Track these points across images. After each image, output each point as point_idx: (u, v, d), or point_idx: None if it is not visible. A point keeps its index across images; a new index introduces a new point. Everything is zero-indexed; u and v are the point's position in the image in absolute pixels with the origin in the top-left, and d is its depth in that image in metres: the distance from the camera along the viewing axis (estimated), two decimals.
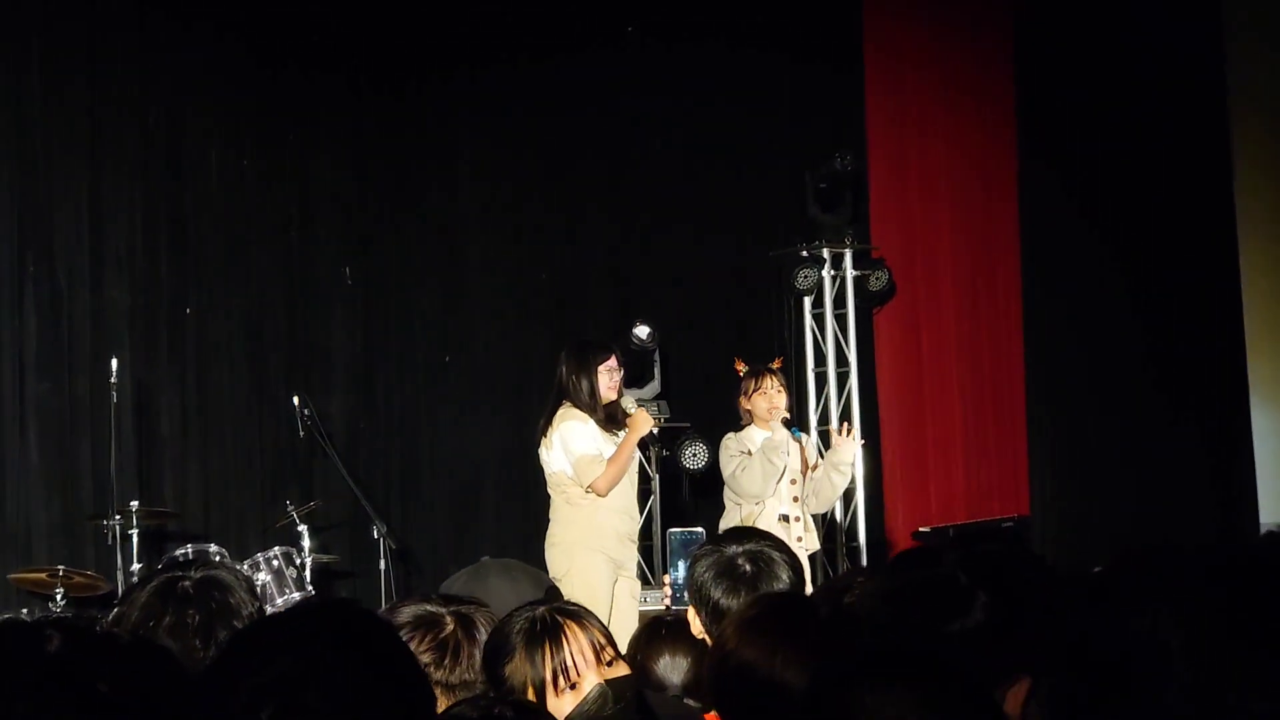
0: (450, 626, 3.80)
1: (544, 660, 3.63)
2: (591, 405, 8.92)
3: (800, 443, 9.52)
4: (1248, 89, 14.00)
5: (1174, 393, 13.63)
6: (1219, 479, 13.44)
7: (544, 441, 9.03)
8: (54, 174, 10.78)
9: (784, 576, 4.31)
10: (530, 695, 3.59)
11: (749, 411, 9.57)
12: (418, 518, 11.72)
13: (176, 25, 11.22)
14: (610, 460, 8.88)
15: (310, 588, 9.97)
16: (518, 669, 3.63)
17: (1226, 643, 1.90)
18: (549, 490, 9.15)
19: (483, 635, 3.77)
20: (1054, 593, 2.75)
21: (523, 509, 11.41)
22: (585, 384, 8.95)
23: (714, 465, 9.70)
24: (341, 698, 2.33)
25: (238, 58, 11.45)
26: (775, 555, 4.36)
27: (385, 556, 10.39)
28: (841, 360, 12.70)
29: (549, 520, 9.10)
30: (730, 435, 9.55)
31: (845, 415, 12.52)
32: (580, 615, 3.74)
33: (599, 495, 8.85)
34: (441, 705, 3.45)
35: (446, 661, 3.74)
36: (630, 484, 9.08)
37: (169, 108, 11.20)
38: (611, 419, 9.00)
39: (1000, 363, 13.62)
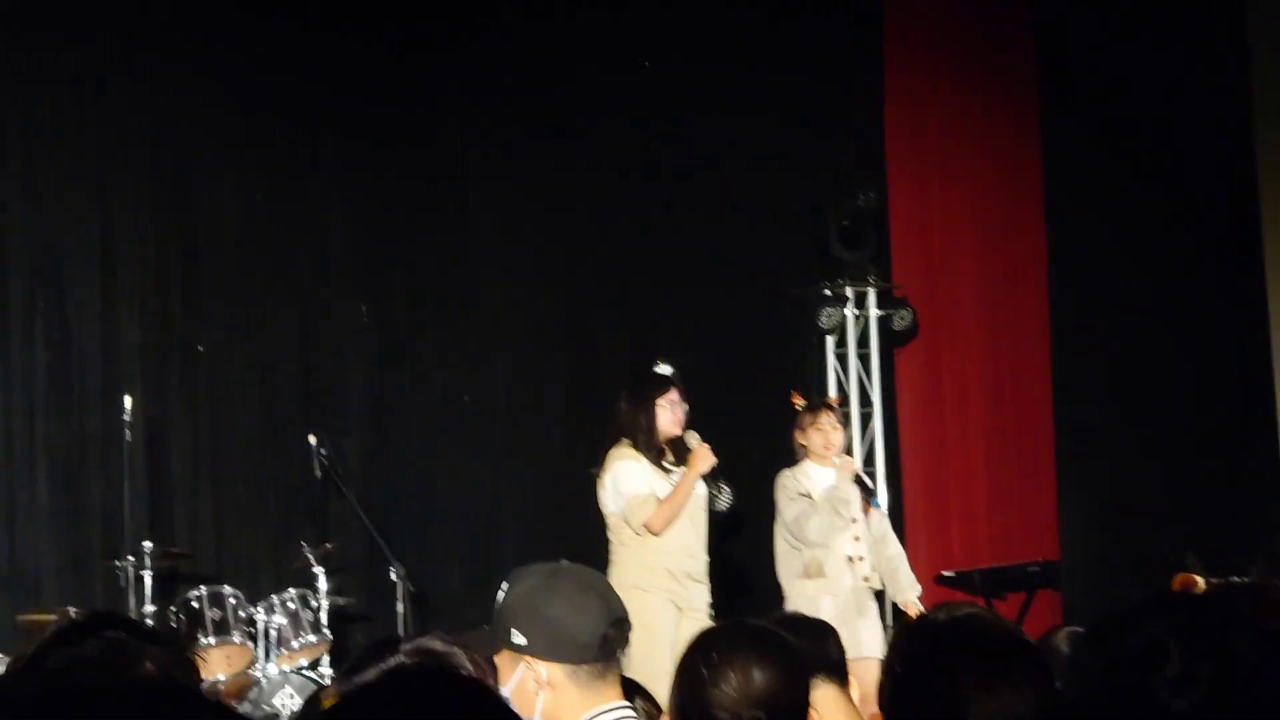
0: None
1: None
2: (648, 441, 8.68)
3: (879, 510, 9.51)
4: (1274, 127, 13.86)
5: (1208, 433, 13.42)
6: (1254, 520, 13.19)
7: (599, 482, 8.84)
8: (64, 207, 10.64)
9: None
10: None
11: (804, 446, 9.41)
12: (435, 559, 11.48)
13: (189, 57, 11.09)
14: (666, 499, 8.63)
15: (327, 631, 9.77)
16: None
17: None
18: (607, 533, 8.98)
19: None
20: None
21: (543, 550, 11.15)
22: (643, 419, 8.73)
23: (740, 505, 9.44)
24: None
25: (254, 91, 11.30)
26: None
27: (403, 599, 10.21)
28: (864, 400, 12.52)
29: (609, 562, 8.93)
30: (786, 473, 9.37)
31: (869, 457, 12.34)
32: None
33: (654, 535, 8.60)
34: None
35: None
36: (690, 521, 8.81)
37: (182, 141, 11.07)
38: (673, 453, 8.75)
39: (1025, 403, 13.43)
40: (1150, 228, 13.46)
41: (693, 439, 8.80)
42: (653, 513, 8.60)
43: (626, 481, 8.65)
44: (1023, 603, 12.80)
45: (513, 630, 4.06)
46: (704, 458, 8.74)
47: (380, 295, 11.68)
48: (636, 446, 8.70)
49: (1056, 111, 13.45)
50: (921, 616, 3.94)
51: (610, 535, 8.89)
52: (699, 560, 8.83)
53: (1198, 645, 2.51)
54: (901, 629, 3.91)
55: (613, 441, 8.87)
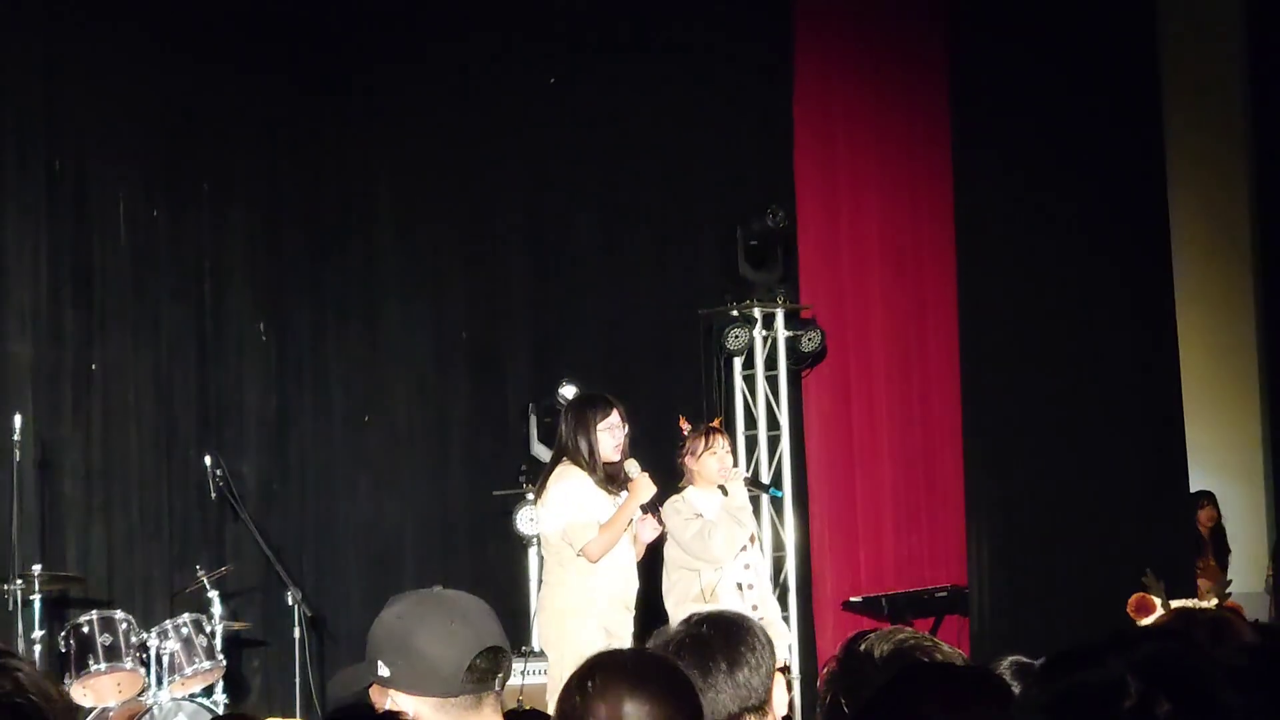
0: None
1: None
2: (591, 464, 8.53)
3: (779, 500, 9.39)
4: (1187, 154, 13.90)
5: (1117, 459, 13.38)
6: (1158, 548, 13.16)
7: (539, 501, 8.69)
8: None
9: (743, 640, 3.90)
10: None
11: (694, 471, 9.18)
12: (333, 583, 11.30)
13: (85, 68, 10.84)
14: (605, 526, 8.49)
15: (221, 657, 9.54)
16: None
17: None
18: (542, 551, 8.90)
19: None
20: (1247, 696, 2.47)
21: (442, 574, 11.02)
22: (584, 444, 8.53)
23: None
24: None
25: (150, 104, 11.05)
26: (735, 619, 3.96)
27: (300, 624, 10.01)
28: (772, 423, 12.37)
29: (540, 583, 8.85)
30: (677, 498, 9.16)
31: (776, 479, 12.18)
32: None
33: (590, 561, 8.45)
34: None
35: None
36: (628, 546, 8.66)
37: (76, 153, 10.78)
38: (613, 479, 8.58)
39: (933, 426, 13.37)
40: (1061, 254, 13.44)
41: (633, 468, 8.62)
42: (591, 540, 8.43)
43: (569, 503, 8.49)
44: (930, 628, 12.70)
45: (379, 663, 3.89)
46: (645, 487, 8.58)
47: (279, 313, 11.46)
48: (581, 467, 8.54)
49: (968, 135, 13.38)
50: (854, 648, 3.74)
51: (548, 556, 8.71)
52: (633, 587, 8.70)
53: (1157, 682, 2.38)
54: (840, 662, 3.70)
55: (554, 462, 8.70)
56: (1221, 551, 14.01)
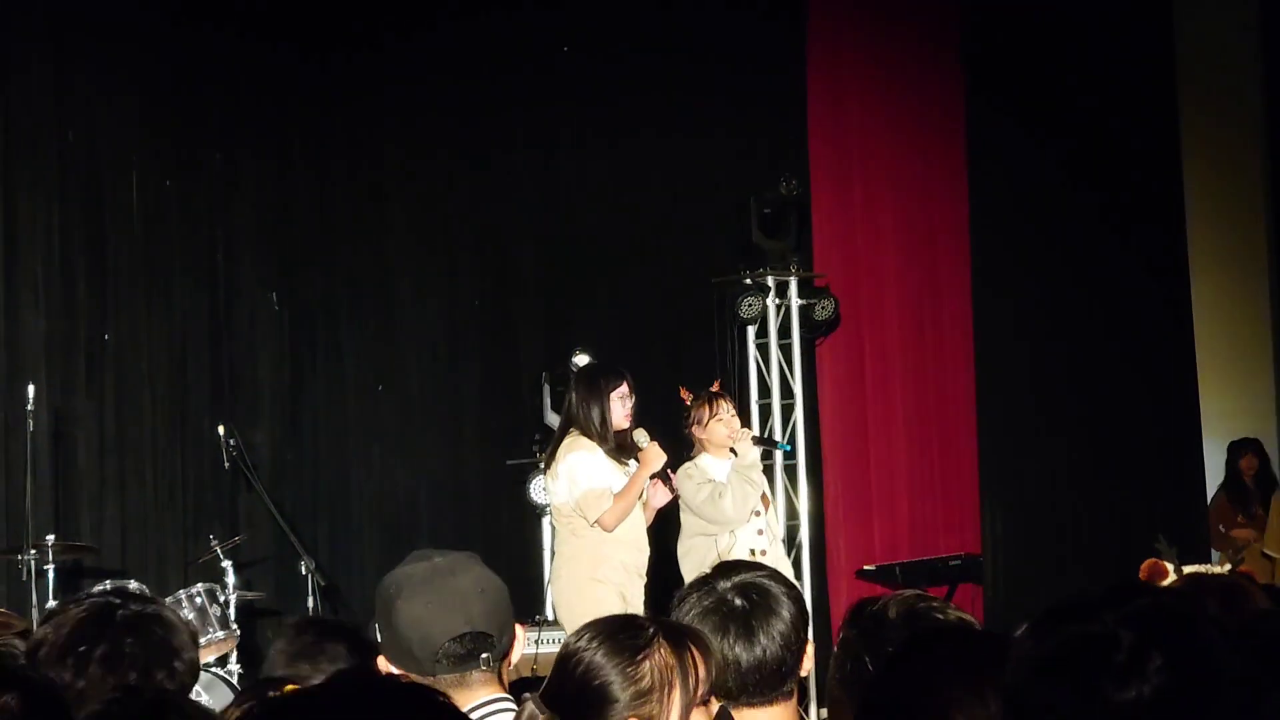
0: None
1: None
2: (602, 434, 8.58)
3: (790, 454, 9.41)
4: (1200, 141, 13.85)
5: (1131, 427, 13.36)
6: (1172, 518, 13.14)
7: (549, 472, 8.74)
8: None
9: (783, 612, 3.88)
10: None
11: (703, 440, 9.19)
12: (347, 553, 11.34)
13: (95, 42, 10.85)
14: (618, 495, 8.55)
15: (235, 626, 9.55)
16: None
17: None
18: (554, 522, 8.97)
19: None
20: (1242, 653, 2.45)
21: (455, 543, 10.98)
22: (596, 411, 8.59)
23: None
24: None
25: (161, 76, 11.06)
26: (771, 586, 3.93)
27: (313, 593, 10.04)
28: (786, 392, 12.35)
29: (554, 554, 8.90)
30: (690, 464, 9.18)
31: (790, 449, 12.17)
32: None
33: (605, 530, 8.50)
34: None
35: None
36: (640, 515, 8.71)
37: (88, 126, 10.78)
38: (622, 448, 8.62)
39: (947, 394, 13.32)
40: (1075, 220, 13.40)
41: (642, 437, 8.65)
42: (606, 510, 8.46)
43: (582, 472, 8.53)
44: (944, 596, 12.68)
45: (376, 626, 3.92)
46: (655, 456, 8.63)
47: (291, 283, 11.46)
48: (590, 437, 8.57)
49: (982, 100, 13.33)
50: (866, 610, 3.74)
51: (560, 526, 8.77)
52: (645, 555, 8.77)
53: (1150, 635, 2.36)
54: (855, 626, 3.70)
55: (562, 432, 8.75)
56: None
